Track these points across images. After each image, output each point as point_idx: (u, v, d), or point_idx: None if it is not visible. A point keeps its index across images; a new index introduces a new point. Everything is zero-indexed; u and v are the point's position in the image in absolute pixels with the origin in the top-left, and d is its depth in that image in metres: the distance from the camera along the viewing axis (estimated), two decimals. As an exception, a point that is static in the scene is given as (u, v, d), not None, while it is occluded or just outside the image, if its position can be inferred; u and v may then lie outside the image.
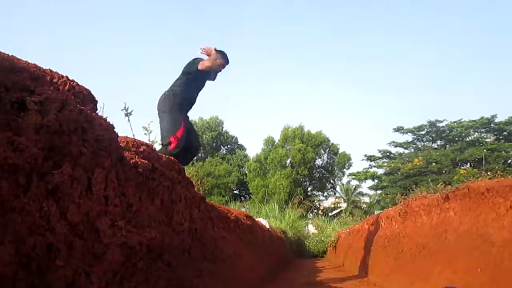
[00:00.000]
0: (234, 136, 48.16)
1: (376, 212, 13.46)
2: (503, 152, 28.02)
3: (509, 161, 28.60)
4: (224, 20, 77.41)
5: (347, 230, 12.84)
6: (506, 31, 60.69)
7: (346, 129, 76.55)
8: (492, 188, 3.82)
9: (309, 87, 76.70)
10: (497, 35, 63.68)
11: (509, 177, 4.45)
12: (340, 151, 40.18)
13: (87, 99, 2.06)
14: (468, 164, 29.79)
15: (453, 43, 68.69)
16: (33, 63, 1.77)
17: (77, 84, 2.01)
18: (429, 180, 9.01)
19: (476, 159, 27.57)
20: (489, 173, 5.02)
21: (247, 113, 76.55)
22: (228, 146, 48.02)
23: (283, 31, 77.82)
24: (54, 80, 1.87)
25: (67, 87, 1.91)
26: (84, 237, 1.61)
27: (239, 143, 48.52)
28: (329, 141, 39.82)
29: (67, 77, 1.96)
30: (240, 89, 78.40)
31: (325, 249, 16.71)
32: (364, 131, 76.35)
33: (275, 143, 39.27)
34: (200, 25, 77.07)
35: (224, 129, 47.01)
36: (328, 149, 40.11)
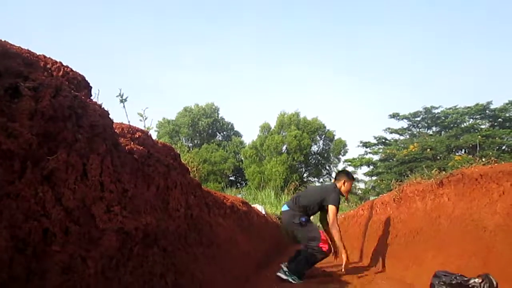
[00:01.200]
0: (230, 122, 48.10)
1: (371, 198, 13.53)
2: (497, 138, 28.08)
3: (504, 147, 28.69)
4: (222, 7, 76.65)
5: (342, 216, 12.91)
6: (501, 17, 60.49)
7: (342, 115, 76.43)
8: (486, 174, 3.85)
9: (306, 74, 76.36)
10: (493, 22, 63.52)
11: (503, 163, 4.48)
12: (335, 138, 40.21)
13: (82, 85, 2.05)
14: (463, 150, 29.88)
15: (449, 30, 68.47)
16: (26, 48, 1.75)
17: (71, 70, 2.00)
18: (424, 166, 9.06)
19: (471, 146, 27.66)
20: (483, 159, 5.04)
21: (243, 100, 76.34)
22: (224, 132, 47.93)
23: (280, 18, 77.19)
24: (48, 66, 1.85)
25: (61, 72, 1.90)
26: (80, 222, 1.61)
27: (235, 129, 48.48)
28: (325, 127, 39.80)
29: (60, 62, 1.94)
30: (236, 75, 78.02)
31: (320, 234, 16.81)
32: (360, 117, 76.48)
33: (271, 130, 39.20)
34: (197, 11, 76.35)
35: (220, 116, 46.90)
36: (324, 135, 40.10)
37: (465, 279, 2.79)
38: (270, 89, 76.63)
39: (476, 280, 2.72)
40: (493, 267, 3.02)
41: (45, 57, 1.87)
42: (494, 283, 2.68)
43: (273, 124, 39.64)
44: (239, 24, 76.95)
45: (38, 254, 1.33)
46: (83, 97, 1.89)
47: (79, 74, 2.06)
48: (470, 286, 2.73)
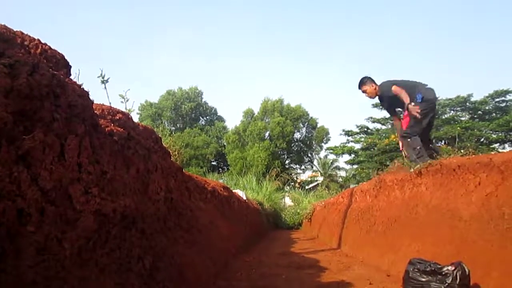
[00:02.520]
0: (213, 107, 47.86)
1: (352, 186, 13.69)
2: (476, 130, 28.60)
3: (482, 139, 29.26)
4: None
5: (323, 203, 13.04)
6: (483, 10, 61.16)
7: (326, 103, 76.91)
8: (463, 165, 3.92)
9: (291, 61, 76.38)
10: (474, 15, 64.21)
11: (480, 154, 4.56)
12: (318, 125, 40.43)
13: (60, 64, 2.01)
14: (443, 141, 30.35)
15: (431, 22, 69.00)
16: (2, 24, 1.70)
17: (50, 48, 1.95)
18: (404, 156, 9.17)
19: (450, 137, 28.09)
20: (462, 150, 5.12)
21: (227, 85, 76.03)
22: (207, 117, 47.70)
23: (266, 4, 76.60)
24: (26, 43, 1.80)
25: (38, 50, 1.85)
26: (56, 203, 1.59)
27: (218, 114, 48.27)
28: (308, 115, 39.95)
29: (39, 40, 1.89)
30: (221, 61, 77.46)
31: (300, 221, 16.98)
32: (344, 106, 76.97)
33: (254, 116, 39.19)
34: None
35: (203, 100, 46.60)
36: (307, 123, 40.27)
37: (439, 266, 2.86)
38: (255, 75, 76.51)
39: (449, 267, 2.79)
40: (466, 255, 3.10)
41: (22, 33, 1.82)
42: (466, 270, 2.75)
43: (256, 110, 39.65)
44: (225, 10, 76.19)
45: (12, 234, 1.31)
46: (61, 76, 1.84)
47: (58, 53, 2.01)
48: (443, 273, 2.80)
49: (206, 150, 38.97)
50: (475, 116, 31.59)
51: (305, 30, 77.65)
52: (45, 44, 1.91)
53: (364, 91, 6.05)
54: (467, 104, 31.43)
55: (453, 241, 3.50)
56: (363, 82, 6.04)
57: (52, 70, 1.77)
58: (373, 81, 6.02)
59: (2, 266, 1.23)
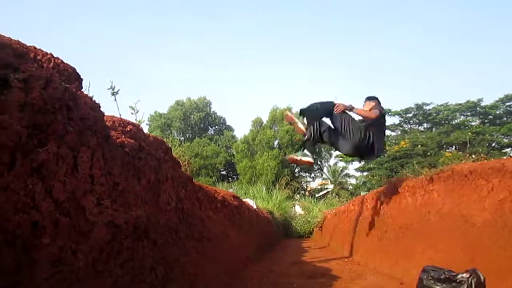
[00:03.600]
0: (222, 117, 47.99)
1: (362, 194, 13.62)
2: (487, 135, 28.32)
3: (493, 144, 28.95)
4: (214, 1, 76.27)
5: (333, 211, 12.98)
6: (493, 15, 60.89)
7: (334, 111, 76.52)
8: (475, 171, 3.89)
9: (298, 69, 76.52)
10: (484, 19, 63.92)
11: (492, 160, 4.52)
12: (328, 133, 40.29)
13: (72, 77, 2.04)
14: (454, 147, 30.08)
15: (441, 27, 68.81)
16: (16, 39, 1.73)
17: (62, 62, 1.98)
18: (415, 162, 9.13)
19: (461, 142, 27.85)
20: (473, 156, 5.09)
21: (236, 94, 76.27)
22: (216, 127, 47.85)
23: (272, 13, 77.04)
24: (38, 57, 1.84)
25: (51, 64, 1.88)
26: (70, 215, 1.61)
27: (227, 124, 48.40)
28: (317, 123, 39.84)
29: (51, 54, 1.93)
30: (228, 70, 77.86)
31: (311, 229, 16.90)
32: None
33: (263, 124, 39.24)
34: (189, 5, 75.89)
35: (212, 110, 46.79)
36: (316, 130, 40.14)
37: (453, 274, 2.82)
38: (263, 84, 76.68)
39: (464, 275, 2.75)
40: (480, 262, 3.06)
41: (35, 48, 1.85)
42: (482, 278, 2.72)
43: (265, 118, 39.71)
44: (232, 19, 76.72)
45: (28, 247, 1.32)
46: (74, 89, 1.87)
47: (70, 66, 2.04)
48: (457, 281, 2.76)
49: (215, 159, 39.02)
50: (486, 121, 31.30)
51: (312, 37, 77.80)
52: (57, 58, 1.95)
53: None
54: (477, 108, 31.17)
55: (466, 248, 3.46)
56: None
57: (65, 84, 1.80)
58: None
59: (18, 278, 1.24)
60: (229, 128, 47.72)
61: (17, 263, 1.26)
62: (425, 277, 2.97)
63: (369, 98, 5.82)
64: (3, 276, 1.19)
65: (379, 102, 5.71)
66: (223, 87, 75.55)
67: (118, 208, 2.00)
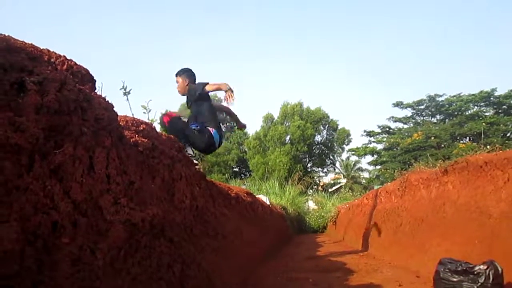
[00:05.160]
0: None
1: (376, 187, 13.56)
2: (502, 125, 27.98)
3: (508, 134, 28.59)
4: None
5: (347, 205, 12.95)
6: (505, 4, 59.87)
7: (346, 105, 76.34)
8: (490, 161, 3.85)
9: (309, 64, 76.19)
10: (496, 9, 62.92)
11: (508, 150, 4.47)
12: (339, 127, 40.13)
13: (86, 78, 2.06)
14: (467, 138, 29.80)
15: (453, 17, 67.92)
16: (30, 43, 1.75)
17: (75, 64, 2.00)
18: (428, 154, 9.05)
19: (475, 133, 27.58)
20: (488, 146, 5.03)
21: (246, 90, 76.22)
22: (228, 123, 47.92)
23: (284, 8, 76.78)
24: (52, 60, 1.86)
25: (65, 66, 1.90)
26: (88, 214, 1.63)
27: (238, 120, 48.34)
28: (328, 117, 39.69)
29: (64, 56, 1.95)
30: (239, 65, 77.80)
31: (325, 224, 16.90)
32: (364, 106, 76.25)
33: (274, 120, 39.17)
34: (198, 3, 75.96)
35: (223, 107, 46.78)
36: (327, 125, 40.01)
37: (470, 266, 2.80)
38: (273, 79, 76.49)
39: (481, 267, 2.73)
40: (498, 254, 3.04)
41: (49, 51, 1.88)
42: (499, 269, 2.70)
43: (276, 114, 39.62)
44: (242, 16, 76.64)
45: (48, 246, 1.35)
46: (87, 91, 1.89)
47: (84, 68, 2.06)
48: (475, 273, 2.74)
49: (227, 156, 39.08)
50: (500, 111, 30.89)
51: (321, 32, 77.38)
52: (71, 60, 1.97)
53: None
54: (491, 99, 30.77)
55: (483, 239, 3.43)
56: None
57: (79, 85, 1.82)
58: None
59: (40, 277, 1.27)
60: (241, 125, 47.68)
61: (39, 263, 1.28)
62: (442, 269, 2.95)
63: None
64: (27, 275, 1.22)
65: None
66: (233, 83, 75.41)
67: (134, 206, 2.02)
